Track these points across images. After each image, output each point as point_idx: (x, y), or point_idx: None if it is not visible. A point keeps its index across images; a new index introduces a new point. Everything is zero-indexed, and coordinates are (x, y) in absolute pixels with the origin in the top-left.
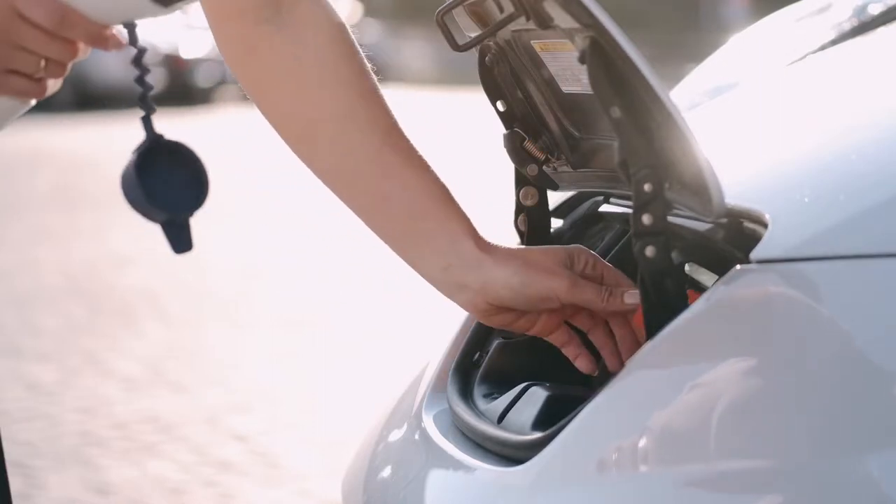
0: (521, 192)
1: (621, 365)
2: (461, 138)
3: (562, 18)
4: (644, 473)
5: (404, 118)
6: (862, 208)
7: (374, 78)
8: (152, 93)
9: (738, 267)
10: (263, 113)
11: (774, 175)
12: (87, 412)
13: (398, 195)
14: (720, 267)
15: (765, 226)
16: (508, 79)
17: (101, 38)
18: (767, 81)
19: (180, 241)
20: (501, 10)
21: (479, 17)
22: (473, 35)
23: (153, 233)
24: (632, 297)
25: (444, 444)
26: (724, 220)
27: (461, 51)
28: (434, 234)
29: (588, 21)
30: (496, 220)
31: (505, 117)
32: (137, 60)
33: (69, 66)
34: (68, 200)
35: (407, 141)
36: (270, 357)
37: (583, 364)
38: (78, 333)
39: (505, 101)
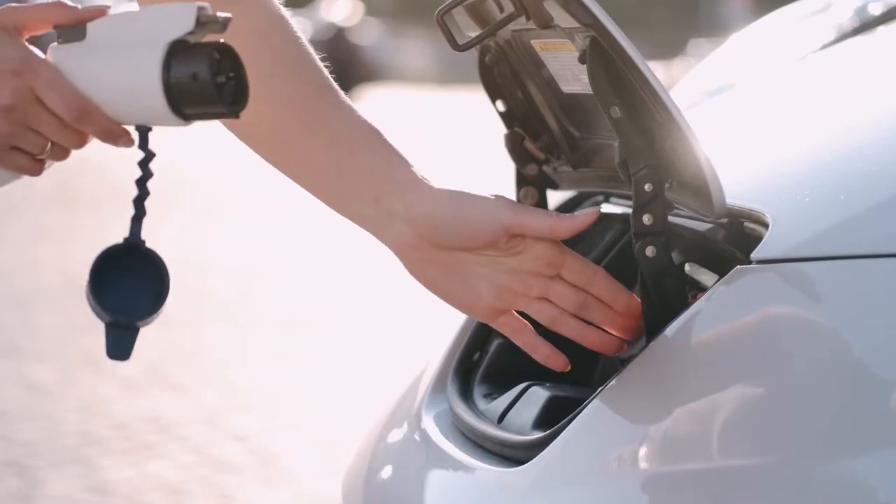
0: (522, 191)
1: (619, 346)
2: (461, 138)
3: (562, 18)
4: (644, 473)
5: (404, 118)
6: (862, 208)
7: (316, 59)
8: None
9: (738, 267)
10: None
11: (774, 175)
12: (86, 412)
13: (333, 135)
14: (720, 267)
15: (765, 226)
16: (508, 79)
17: (114, 135)
18: (767, 81)
19: (119, 347)
20: (501, 9)
21: (479, 17)
22: (473, 35)
23: (153, 233)
24: (586, 215)
25: (444, 444)
26: (725, 220)
27: (461, 51)
28: (370, 164)
29: (588, 21)
30: None
31: (505, 117)
32: (144, 164)
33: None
34: (68, 200)
35: (342, 97)
36: (270, 357)
37: (543, 356)
38: (78, 333)
39: (505, 100)
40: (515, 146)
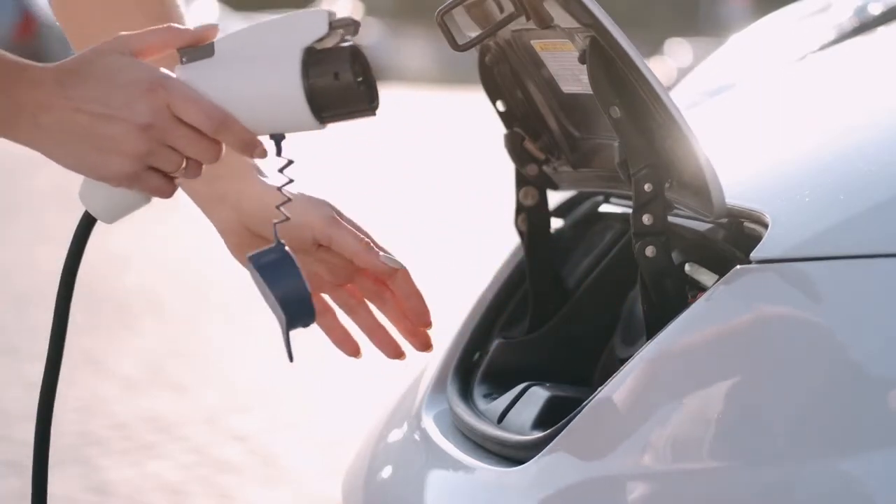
0: (522, 192)
1: (397, 352)
2: (461, 138)
3: (562, 18)
4: (643, 473)
5: (404, 118)
6: (862, 208)
7: None
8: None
9: (738, 267)
10: None
11: (774, 175)
12: (86, 412)
13: None
14: (720, 267)
15: (765, 226)
16: (508, 79)
17: (250, 145)
18: (767, 81)
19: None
20: (501, 10)
21: (479, 17)
22: (473, 35)
23: (153, 233)
24: (392, 260)
25: (444, 444)
26: (725, 220)
27: (461, 51)
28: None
29: (588, 21)
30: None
31: (505, 117)
32: (283, 170)
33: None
34: (68, 200)
35: None
36: (270, 357)
37: (337, 339)
38: (77, 333)
39: (505, 100)
40: (515, 146)
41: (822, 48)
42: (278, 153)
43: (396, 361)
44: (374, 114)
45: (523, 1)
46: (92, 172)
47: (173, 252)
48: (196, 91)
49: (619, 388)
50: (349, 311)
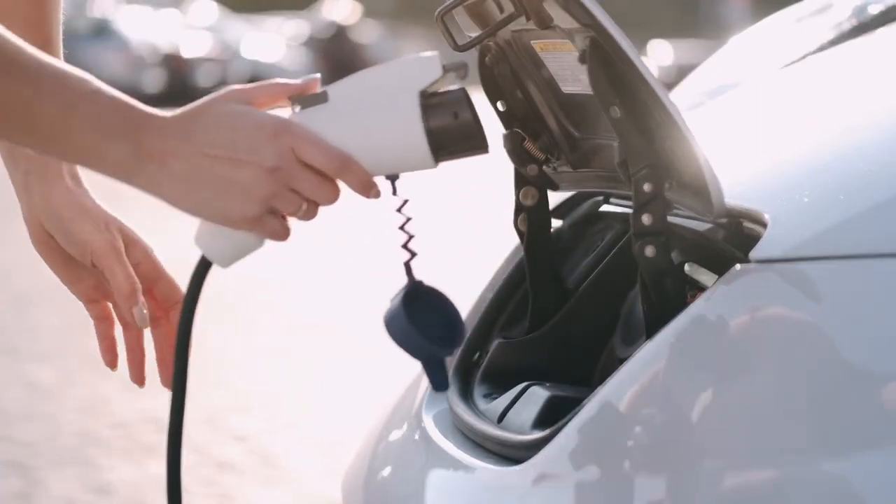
0: (521, 192)
1: (139, 376)
2: None
3: (562, 18)
4: (643, 473)
5: None
6: (862, 208)
7: None
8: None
9: (738, 267)
10: None
11: (774, 175)
12: (86, 412)
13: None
14: (720, 267)
15: (764, 226)
16: (508, 79)
17: (368, 186)
18: (767, 82)
19: (440, 378)
20: (501, 10)
21: (479, 17)
22: (473, 35)
23: (153, 233)
24: (141, 316)
25: (444, 444)
26: (724, 220)
27: (461, 51)
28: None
29: (588, 21)
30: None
31: (505, 117)
32: (401, 209)
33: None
34: None
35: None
36: (270, 357)
37: (102, 348)
38: (77, 333)
39: (505, 101)
40: (515, 146)
41: (822, 48)
42: (394, 192)
43: (398, 362)
44: (489, 150)
45: (523, 1)
46: (216, 216)
47: (173, 252)
48: (317, 135)
49: (618, 388)
50: (122, 324)
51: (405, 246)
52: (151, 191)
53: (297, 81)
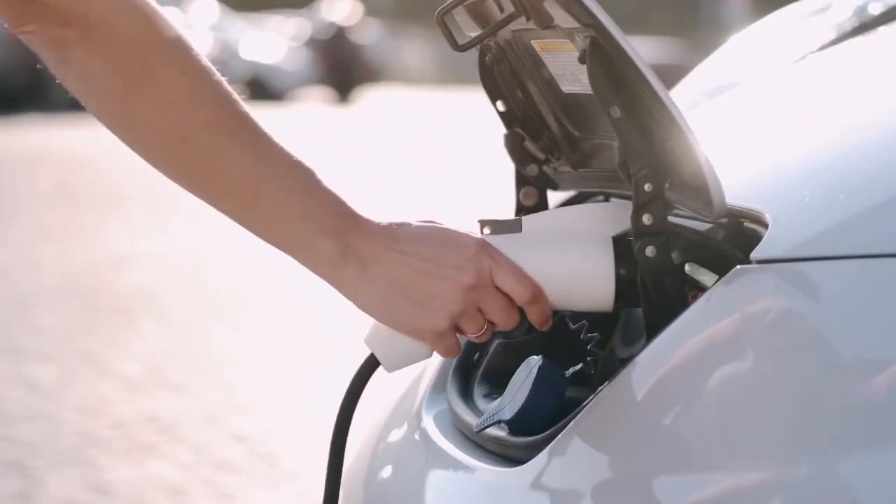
0: (522, 192)
1: None
2: (461, 138)
3: (562, 18)
4: (643, 473)
5: (404, 118)
6: (862, 208)
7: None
8: None
9: (738, 267)
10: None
11: (774, 175)
12: (87, 412)
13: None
14: (720, 267)
15: (765, 226)
16: (508, 79)
17: (546, 319)
18: (767, 81)
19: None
20: (501, 10)
21: (479, 17)
22: (473, 35)
23: (153, 233)
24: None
25: (444, 444)
26: (725, 220)
27: (461, 51)
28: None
29: (588, 21)
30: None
31: (505, 117)
32: (586, 337)
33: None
34: (68, 200)
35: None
36: (270, 357)
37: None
38: (78, 333)
39: (505, 101)
40: (515, 146)
41: (822, 48)
42: (573, 325)
43: None
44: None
45: (523, 1)
46: (404, 325)
47: (173, 252)
48: (514, 263)
49: (618, 388)
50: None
51: (588, 359)
52: (347, 291)
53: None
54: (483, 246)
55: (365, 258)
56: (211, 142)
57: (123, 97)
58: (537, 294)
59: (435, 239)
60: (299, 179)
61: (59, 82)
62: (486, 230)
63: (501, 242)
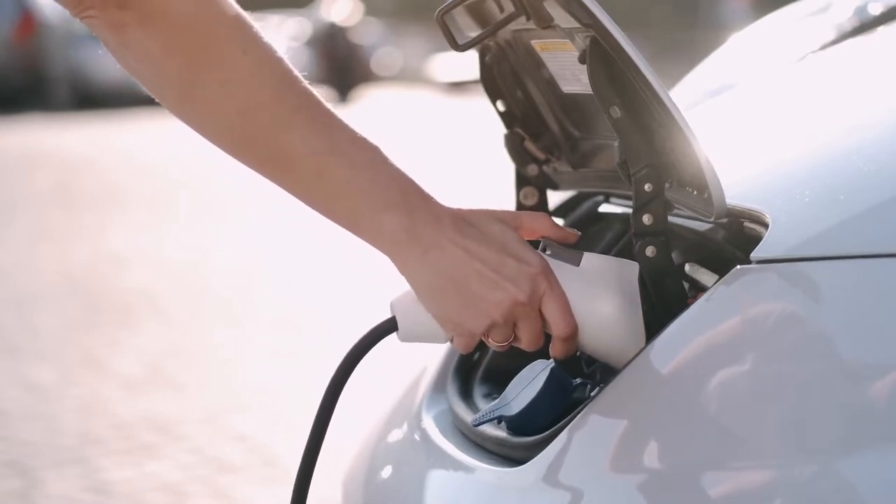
0: (522, 192)
1: None
2: (461, 138)
3: (562, 18)
4: (643, 473)
5: (404, 118)
6: (862, 208)
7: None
8: None
9: (738, 267)
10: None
11: (774, 175)
12: (86, 412)
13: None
14: (720, 267)
15: (765, 226)
16: (508, 79)
17: (566, 357)
18: (767, 81)
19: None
20: (501, 9)
21: (479, 17)
22: (473, 35)
23: (153, 233)
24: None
25: (444, 444)
26: (725, 220)
27: (461, 51)
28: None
29: (588, 21)
30: None
31: (505, 117)
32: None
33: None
34: (68, 200)
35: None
36: (270, 357)
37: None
38: (77, 333)
39: (505, 100)
40: (515, 146)
41: (822, 48)
42: (585, 367)
43: (398, 362)
44: None
45: (523, 1)
46: (443, 314)
47: (173, 252)
48: (565, 296)
49: (619, 388)
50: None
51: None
52: (401, 266)
53: (560, 228)
54: (545, 268)
55: (428, 244)
56: (274, 120)
57: (184, 78)
58: (573, 335)
59: (500, 245)
60: (364, 155)
61: (121, 66)
62: (547, 252)
63: (557, 269)
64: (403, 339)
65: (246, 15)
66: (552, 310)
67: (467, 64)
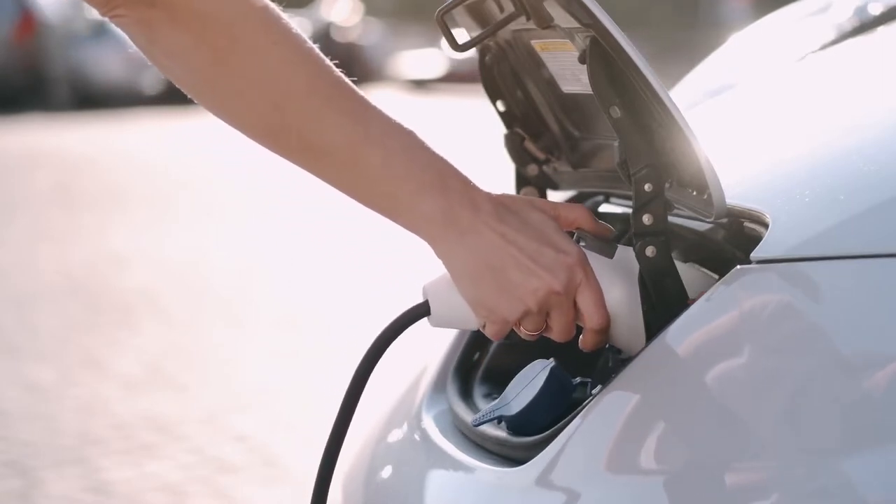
0: (522, 192)
1: None
2: (461, 138)
3: (562, 18)
4: (644, 473)
5: (404, 118)
6: (862, 208)
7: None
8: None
9: (738, 267)
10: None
11: (774, 175)
12: (86, 412)
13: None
14: (721, 267)
15: (765, 226)
16: (509, 78)
17: (595, 349)
18: (767, 81)
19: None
20: (501, 9)
21: (479, 17)
22: (473, 35)
23: (153, 233)
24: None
25: (444, 444)
26: (725, 221)
27: (461, 51)
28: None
29: (588, 21)
30: None
31: (505, 117)
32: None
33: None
34: (68, 200)
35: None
36: (270, 357)
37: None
38: (77, 333)
39: (505, 100)
40: (515, 146)
41: (822, 48)
42: (609, 362)
43: (398, 361)
44: None
45: (523, 1)
46: (478, 300)
47: (173, 252)
48: (601, 289)
49: (618, 388)
50: None
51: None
52: (442, 254)
53: (597, 221)
54: (582, 259)
55: (465, 227)
56: (307, 110)
57: (214, 72)
58: (604, 326)
59: (540, 233)
60: (399, 140)
61: (151, 63)
62: (581, 243)
63: (591, 261)
64: (435, 323)
65: (274, 6)
66: (587, 301)
67: (430, 63)
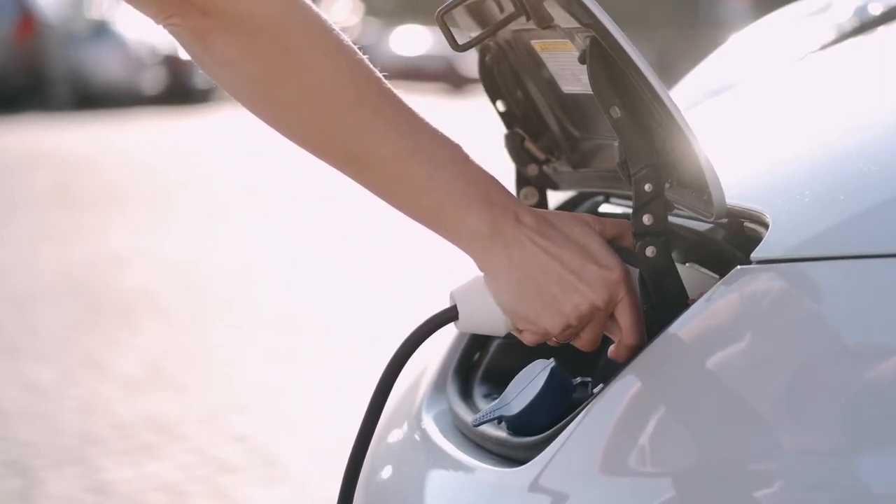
0: (522, 192)
1: None
2: (461, 138)
3: (562, 18)
4: (644, 473)
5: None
6: (862, 208)
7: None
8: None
9: (738, 267)
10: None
11: (774, 175)
12: (86, 412)
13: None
14: (721, 267)
15: (765, 226)
16: (509, 79)
17: (625, 360)
18: (767, 81)
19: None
20: (501, 9)
21: (479, 17)
22: (473, 35)
23: (153, 233)
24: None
25: (444, 444)
26: (725, 221)
27: (461, 51)
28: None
29: (588, 21)
30: None
31: (505, 117)
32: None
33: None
34: (68, 200)
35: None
36: (270, 357)
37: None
38: (77, 333)
39: (505, 100)
40: (515, 146)
41: (822, 48)
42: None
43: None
44: None
45: (523, 1)
46: (518, 312)
47: (173, 252)
48: (639, 307)
49: (619, 388)
50: None
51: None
52: (486, 268)
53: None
54: (625, 275)
55: (510, 240)
56: (356, 122)
57: (266, 83)
58: (638, 344)
59: (584, 249)
60: (446, 153)
61: (203, 71)
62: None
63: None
64: (462, 328)
65: (327, 18)
66: (627, 318)
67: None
